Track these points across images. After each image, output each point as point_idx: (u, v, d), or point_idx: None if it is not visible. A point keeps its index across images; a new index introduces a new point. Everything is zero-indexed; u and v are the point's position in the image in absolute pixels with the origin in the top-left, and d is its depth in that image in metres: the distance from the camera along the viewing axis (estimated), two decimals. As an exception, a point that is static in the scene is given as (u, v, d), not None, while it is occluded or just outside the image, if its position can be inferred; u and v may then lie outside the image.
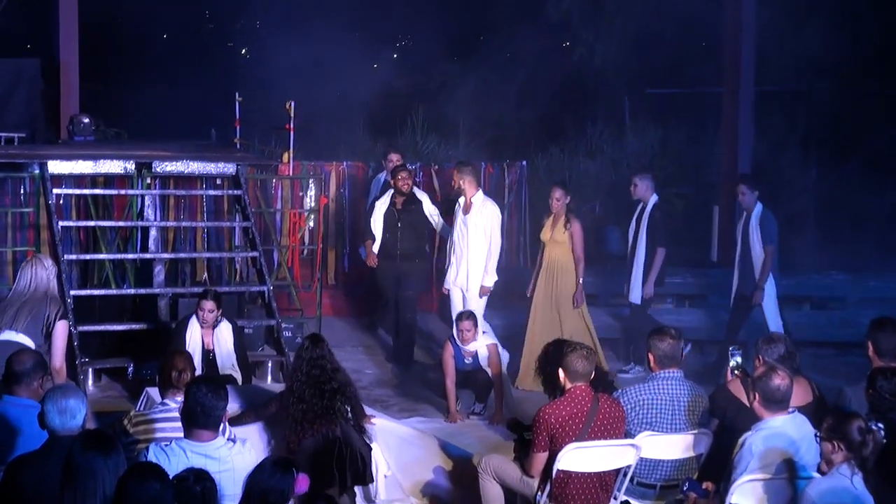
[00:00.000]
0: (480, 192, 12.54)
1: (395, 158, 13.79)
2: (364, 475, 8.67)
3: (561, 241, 12.27)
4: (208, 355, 10.80)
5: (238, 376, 10.82)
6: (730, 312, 12.95)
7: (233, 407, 8.81)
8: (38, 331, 8.77)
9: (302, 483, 6.22)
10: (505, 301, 13.42)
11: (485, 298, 12.32)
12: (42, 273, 8.99)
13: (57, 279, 9.36)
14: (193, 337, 10.78)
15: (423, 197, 13.17)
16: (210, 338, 10.85)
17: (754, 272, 12.51)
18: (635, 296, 12.90)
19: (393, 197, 13.09)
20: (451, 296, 12.59)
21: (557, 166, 18.82)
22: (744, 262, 12.71)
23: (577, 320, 12.27)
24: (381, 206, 13.13)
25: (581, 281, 12.25)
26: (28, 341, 8.63)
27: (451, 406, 10.92)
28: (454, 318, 11.53)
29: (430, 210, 13.09)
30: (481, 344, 11.09)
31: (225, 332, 10.92)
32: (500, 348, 11.30)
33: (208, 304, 10.75)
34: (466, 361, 11.09)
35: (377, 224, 13.07)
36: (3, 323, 8.76)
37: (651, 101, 22.87)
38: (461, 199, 12.52)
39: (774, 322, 12.50)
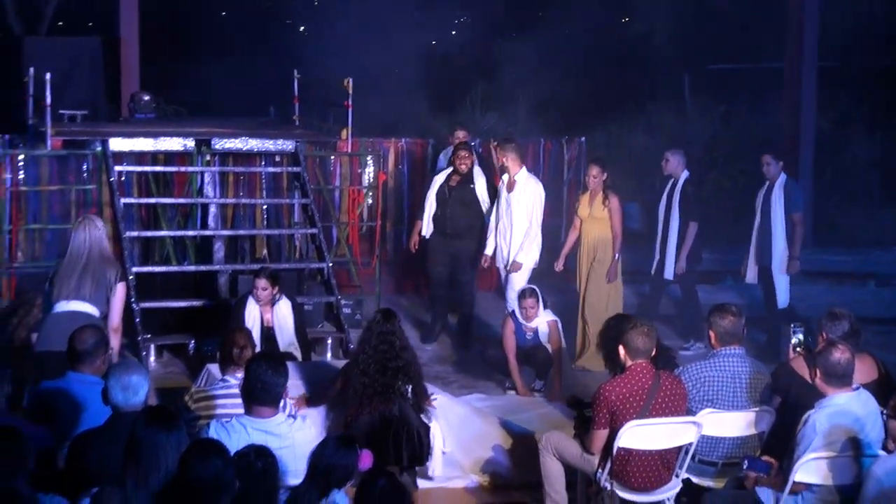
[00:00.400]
0: (524, 170, 12.42)
1: (461, 136, 13.71)
2: (421, 455, 8.67)
3: (599, 218, 12.17)
4: (267, 332, 10.82)
5: (297, 353, 10.84)
6: (763, 289, 12.78)
7: (294, 384, 8.84)
8: (103, 297, 8.67)
9: (365, 459, 6.22)
10: (561, 278, 13.32)
11: (526, 275, 12.23)
12: (95, 233, 8.79)
13: (119, 257, 9.35)
14: (252, 314, 10.81)
15: (479, 180, 12.98)
16: (269, 315, 10.87)
17: (773, 244, 12.38)
18: (669, 272, 12.81)
19: (450, 175, 13.02)
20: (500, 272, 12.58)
21: (616, 143, 18.73)
22: (763, 235, 12.57)
23: (615, 296, 12.22)
24: (437, 181, 13.08)
25: (617, 257, 12.16)
26: (94, 310, 8.61)
27: (517, 380, 10.94)
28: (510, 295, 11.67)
29: (483, 195, 12.90)
30: (542, 320, 11.06)
31: (284, 309, 10.94)
32: (559, 325, 11.27)
33: (261, 283, 10.77)
34: (527, 337, 11.08)
35: (430, 200, 13.01)
36: (69, 291, 8.61)
37: (712, 76, 22.69)
38: (504, 177, 12.43)
39: (784, 297, 12.36)
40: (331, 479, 5.97)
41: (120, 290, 8.76)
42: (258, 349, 9.24)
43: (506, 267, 12.33)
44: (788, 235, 12.46)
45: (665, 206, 12.93)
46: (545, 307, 11.19)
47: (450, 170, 13.05)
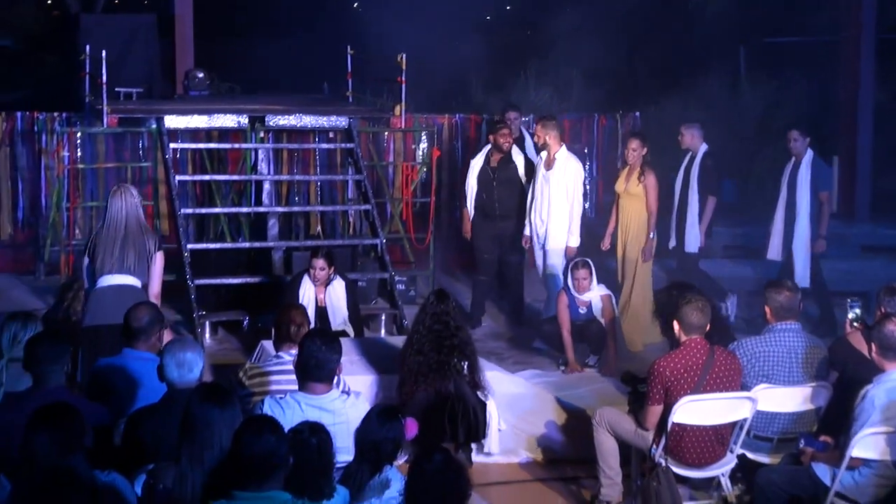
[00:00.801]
0: (564, 148, 12.21)
1: (512, 117, 13.41)
2: (477, 431, 8.67)
3: (634, 194, 11.98)
4: (321, 312, 10.84)
5: (350, 331, 10.86)
6: (781, 266, 12.58)
7: (348, 360, 8.86)
8: (145, 268, 8.71)
9: (411, 428, 6.22)
10: (602, 255, 13.17)
11: (561, 257, 12.03)
12: (131, 201, 8.79)
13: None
14: (307, 293, 10.82)
15: (519, 159, 12.69)
16: (323, 294, 10.89)
17: (797, 221, 12.25)
18: (692, 245, 12.68)
19: (489, 154, 12.74)
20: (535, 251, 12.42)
21: (670, 118, 18.57)
22: (790, 211, 12.44)
23: (645, 274, 12.12)
24: (476, 165, 12.76)
25: (652, 235, 12.04)
26: (137, 282, 8.68)
27: (569, 355, 10.89)
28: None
29: (522, 174, 12.63)
30: (595, 294, 11.03)
31: (338, 289, 10.95)
32: (613, 300, 11.23)
33: (319, 263, 10.78)
34: (581, 311, 11.05)
35: (471, 184, 12.71)
36: (113, 264, 8.63)
37: (768, 50, 22.46)
38: (543, 154, 12.21)
39: (803, 274, 12.20)
40: (380, 453, 6.00)
41: (159, 259, 8.82)
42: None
43: (543, 247, 12.17)
44: (815, 213, 12.30)
45: (682, 180, 12.76)
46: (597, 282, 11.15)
47: (486, 149, 12.83)
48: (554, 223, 12.03)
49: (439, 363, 8.65)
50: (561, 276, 11.60)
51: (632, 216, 12.06)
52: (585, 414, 9.00)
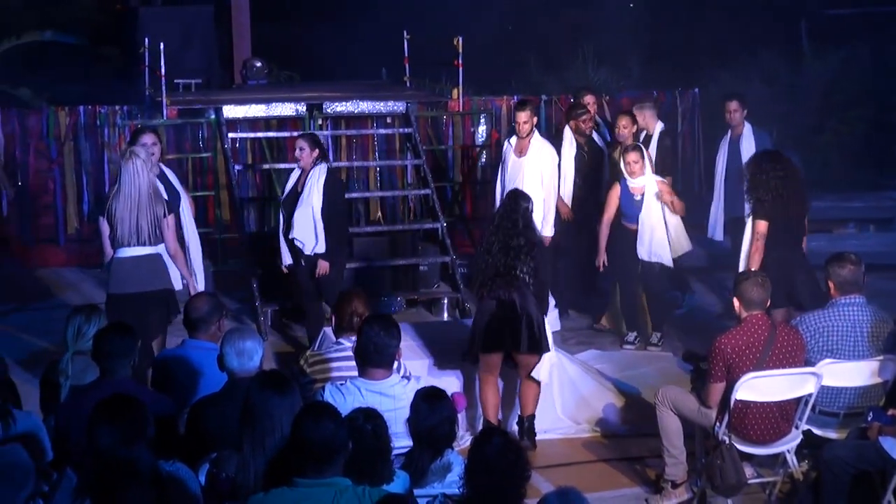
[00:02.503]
0: (537, 133, 11.45)
1: (589, 101, 12.42)
2: (539, 343, 8.66)
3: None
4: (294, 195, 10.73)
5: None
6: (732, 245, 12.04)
7: (408, 345, 8.87)
8: (158, 233, 8.95)
9: (459, 402, 6.21)
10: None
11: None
12: (142, 169, 8.90)
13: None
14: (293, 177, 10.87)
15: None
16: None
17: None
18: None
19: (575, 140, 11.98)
20: None
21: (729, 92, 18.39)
22: (732, 186, 12.00)
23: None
24: (570, 150, 11.90)
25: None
26: (153, 250, 8.95)
27: (602, 243, 11.03)
28: None
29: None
30: (650, 180, 10.90)
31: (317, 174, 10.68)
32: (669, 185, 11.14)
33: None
34: (635, 199, 10.92)
35: (566, 171, 11.85)
36: (130, 236, 8.88)
37: (830, 21, 22.18)
38: (512, 140, 11.48)
39: None
40: (437, 437, 6.00)
41: (171, 222, 9.09)
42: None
43: None
44: None
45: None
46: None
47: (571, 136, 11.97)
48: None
49: (507, 267, 8.62)
50: None
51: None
52: (640, 398, 8.97)
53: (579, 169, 11.92)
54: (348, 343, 7.51)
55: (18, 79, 17.32)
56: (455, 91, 14.43)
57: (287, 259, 10.76)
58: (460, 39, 14.03)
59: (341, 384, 6.64)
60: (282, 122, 13.94)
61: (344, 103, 13.49)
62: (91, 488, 5.07)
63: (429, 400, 6.08)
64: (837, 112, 18.13)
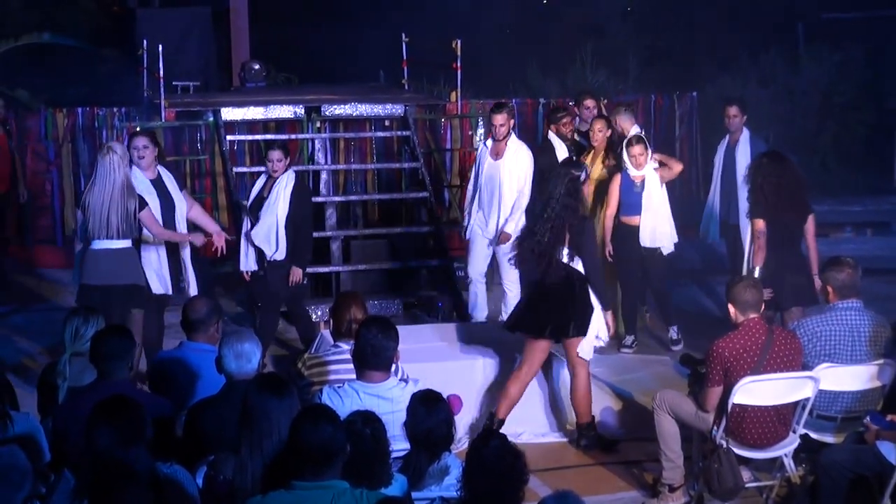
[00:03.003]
0: (514, 136, 11.40)
1: (590, 104, 12.52)
2: (582, 324, 8.69)
3: (600, 179, 11.53)
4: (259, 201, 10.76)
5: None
6: (729, 250, 12.09)
7: (405, 348, 8.85)
8: (129, 228, 9.21)
9: (455, 405, 6.21)
10: (681, 234, 13.09)
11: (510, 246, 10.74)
12: (118, 165, 9.18)
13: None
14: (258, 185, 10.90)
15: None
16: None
17: (741, 202, 11.47)
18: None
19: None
20: (473, 245, 11.55)
21: (727, 96, 18.40)
22: (729, 191, 11.93)
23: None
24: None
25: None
26: (124, 243, 9.25)
27: (607, 234, 11.00)
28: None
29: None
30: (650, 167, 11.02)
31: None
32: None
33: (276, 154, 10.62)
34: (635, 188, 11.01)
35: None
36: (101, 230, 9.18)
37: (827, 26, 22.20)
38: (488, 143, 11.43)
39: None
40: (435, 440, 6.01)
41: (145, 216, 9.34)
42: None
43: (492, 243, 11.35)
44: None
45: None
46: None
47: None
48: (506, 216, 11.15)
49: (548, 245, 8.63)
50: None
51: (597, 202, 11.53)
52: (636, 402, 8.97)
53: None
54: (346, 346, 7.50)
55: (16, 81, 17.31)
56: (453, 94, 14.43)
57: (250, 264, 10.75)
58: (459, 42, 14.03)
59: (339, 387, 6.63)
60: (280, 125, 13.95)
61: (342, 106, 13.48)
62: (89, 490, 5.08)
63: (426, 403, 6.08)
64: (835, 115, 18.16)
